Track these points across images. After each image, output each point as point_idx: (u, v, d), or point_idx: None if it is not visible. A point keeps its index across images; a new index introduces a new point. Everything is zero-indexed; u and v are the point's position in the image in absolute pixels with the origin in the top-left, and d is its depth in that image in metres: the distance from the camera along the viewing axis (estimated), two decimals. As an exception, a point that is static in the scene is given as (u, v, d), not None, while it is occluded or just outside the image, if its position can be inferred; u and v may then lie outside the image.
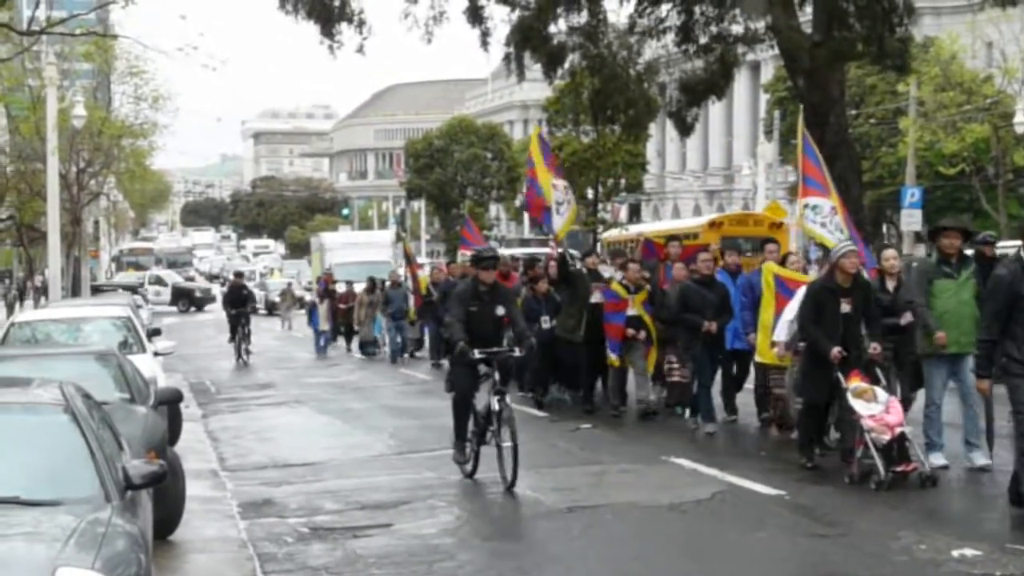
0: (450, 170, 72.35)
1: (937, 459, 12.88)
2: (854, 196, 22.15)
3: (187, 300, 64.26)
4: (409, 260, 31.69)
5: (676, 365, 17.25)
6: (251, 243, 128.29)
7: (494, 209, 78.22)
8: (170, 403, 13.74)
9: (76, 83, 45.94)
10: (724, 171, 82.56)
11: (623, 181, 49.10)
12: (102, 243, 74.68)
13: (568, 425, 17.33)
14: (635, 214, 66.93)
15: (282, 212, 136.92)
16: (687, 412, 16.91)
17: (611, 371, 18.26)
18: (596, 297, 18.17)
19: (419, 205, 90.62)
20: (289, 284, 52.95)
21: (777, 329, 14.54)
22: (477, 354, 12.90)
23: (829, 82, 22.06)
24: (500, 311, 13.32)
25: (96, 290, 54.50)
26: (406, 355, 30.51)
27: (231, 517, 12.18)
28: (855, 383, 12.46)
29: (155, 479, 7.42)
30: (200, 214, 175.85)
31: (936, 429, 13.11)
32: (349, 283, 35.95)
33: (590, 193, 50.94)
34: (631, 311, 17.57)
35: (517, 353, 13.28)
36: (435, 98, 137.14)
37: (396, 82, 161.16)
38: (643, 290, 17.70)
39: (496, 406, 12.74)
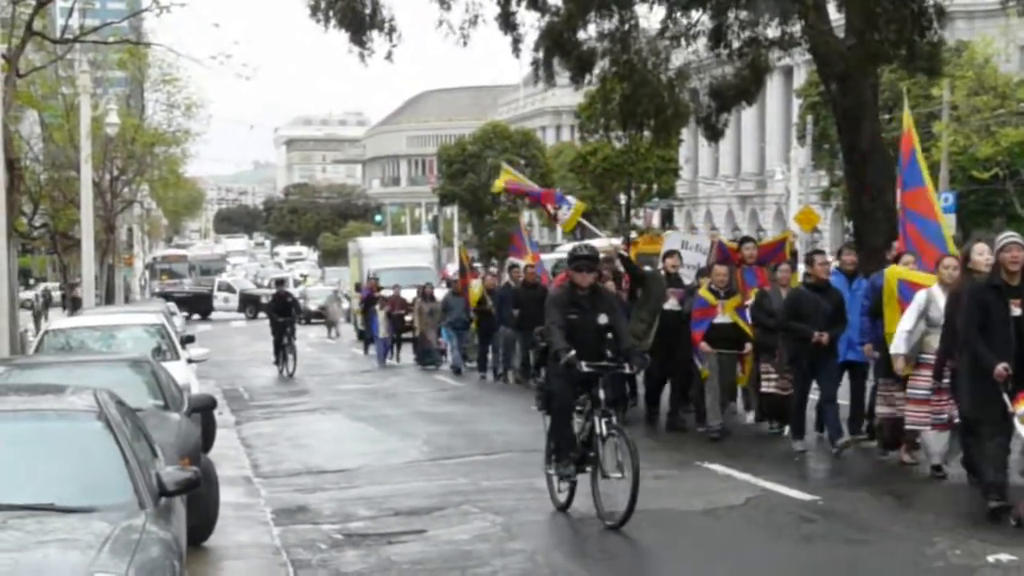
0: (483, 176, 72.32)
1: None
2: (887, 201, 22.05)
3: (254, 307, 64.60)
4: (464, 269, 30.05)
5: (773, 375, 15.85)
6: (285, 250, 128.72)
7: (527, 215, 78.18)
8: (204, 410, 13.77)
9: (109, 91, 46.24)
10: (757, 176, 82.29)
11: (655, 187, 49.00)
12: (136, 251, 75.02)
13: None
14: (667, 220, 66.77)
15: (315, 219, 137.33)
16: (786, 429, 15.53)
17: (706, 386, 16.32)
18: (671, 303, 16.95)
19: (452, 211, 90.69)
20: (336, 291, 53.00)
21: (895, 341, 12.93)
22: (586, 367, 11.24)
23: (862, 86, 21.95)
24: (603, 319, 11.61)
25: (166, 296, 55.66)
26: (467, 365, 28.49)
27: (265, 524, 12.21)
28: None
29: (189, 486, 7.45)
30: (233, 221, 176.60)
31: None
32: (396, 287, 34.24)
33: (622, 199, 50.99)
34: (720, 318, 16.00)
35: (628, 370, 11.77)
36: (467, 104, 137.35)
37: (428, 88, 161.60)
38: (735, 295, 16.24)
39: (603, 429, 11.12)
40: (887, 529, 10.81)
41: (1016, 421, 10.50)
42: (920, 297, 12.78)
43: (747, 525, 10.89)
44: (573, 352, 11.12)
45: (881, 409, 14.17)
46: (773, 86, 62.96)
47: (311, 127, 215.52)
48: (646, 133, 32.41)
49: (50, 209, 40.17)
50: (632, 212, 52.12)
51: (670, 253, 18.20)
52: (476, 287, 27.79)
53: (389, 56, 24.51)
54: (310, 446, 17.93)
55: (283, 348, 30.30)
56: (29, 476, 7.03)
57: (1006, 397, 10.49)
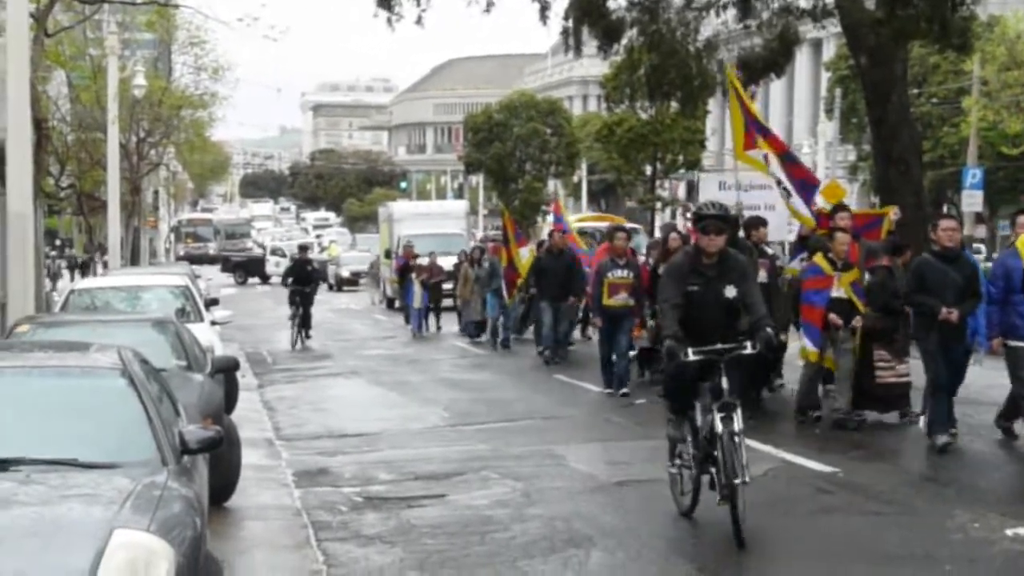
0: (509, 144, 72.23)
1: None
2: (915, 176, 22.01)
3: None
4: (508, 236, 26.90)
5: (890, 362, 14.40)
6: (311, 215, 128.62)
7: (552, 184, 78.03)
8: (226, 371, 13.84)
9: (137, 53, 46.29)
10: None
11: (681, 158, 48.84)
12: (161, 213, 75.30)
13: (624, 400, 17.36)
14: (693, 191, 66.58)
15: (340, 185, 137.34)
16: (921, 420, 13.95)
17: (804, 368, 14.81)
18: (761, 276, 14.94)
19: (477, 180, 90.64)
20: (377, 258, 52.68)
21: None
22: (692, 354, 9.53)
23: (892, 60, 21.89)
24: (731, 292, 9.77)
25: (225, 260, 56.13)
26: (513, 335, 26.97)
27: (286, 485, 12.28)
28: None
29: (211, 444, 7.49)
30: (259, 186, 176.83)
31: None
32: (432, 255, 32.58)
33: (648, 169, 50.87)
34: (836, 291, 14.18)
35: (749, 350, 9.63)
36: (494, 73, 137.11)
37: (455, 56, 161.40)
38: (853, 268, 14.34)
39: (719, 427, 9.36)
40: (906, 502, 10.82)
41: None
42: None
43: (767, 496, 10.88)
44: (672, 341, 9.51)
45: None
46: (802, 59, 62.63)
47: (338, 93, 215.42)
48: (673, 104, 32.34)
49: (76, 170, 40.28)
50: (658, 183, 51.95)
51: (755, 222, 16.39)
52: (526, 255, 25.72)
53: (419, 21, 24.51)
54: (331, 410, 18.01)
55: (298, 317, 28.83)
56: (53, 432, 7.06)
57: None
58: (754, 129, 16.69)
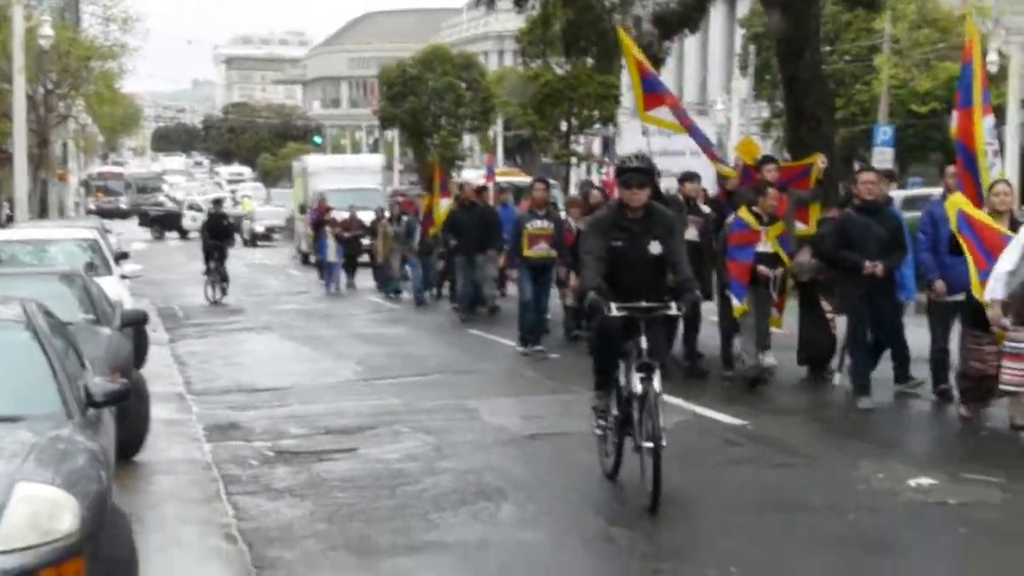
0: (424, 99, 71.83)
1: None
2: (826, 133, 22.17)
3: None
4: (433, 187, 26.64)
5: (832, 315, 14.19)
6: (225, 170, 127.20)
7: (467, 139, 77.78)
8: (135, 325, 13.70)
9: (44, 2, 45.40)
10: (698, 106, 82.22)
11: (596, 113, 48.83)
12: (71, 167, 74.09)
13: (538, 355, 17.41)
14: (609, 146, 66.70)
15: (254, 139, 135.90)
16: (835, 376, 13.85)
17: (741, 324, 14.25)
18: (691, 234, 14.69)
19: (393, 134, 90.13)
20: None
21: (989, 285, 11.00)
22: (615, 310, 9.20)
23: (804, 17, 21.98)
24: (655, 248, 9.43)
25: (143, 215, 55.20)
26: (432, 293, 26.78)
27: (196, 440, 12.19)
28: None
29: (117, 397, 7.42)
30: (171, 139, 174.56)
31: None
32: (351, 209, 32.36)
33: (563, 126, 50.82)
34: (763, 246, 13.87)
35: (674, 311, 9.41)
36: (410, 27, 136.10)
37: (371, 10, 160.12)
38: (779, 222, 14.08)
39: (638, 387, 9.08)
40: (813, 454, 10.99)
41: None
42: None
43: (675, 449, 10.99)
44: (595, 293, 9.18)
45: (970, 365, 11.94)
46: (716, 15, 62.79)
47: (251, 46, 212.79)
48: (588, 59, 32.34)
49: (-20, 121, 39.55)
50: (573, 139, 51.94)
51: (689, 176, 16.12)
52: (445, 207, 24.61)
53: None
54: (244, 365, 17.89)
55: (213, 272, 28.44)
56: (-46, 385, 6.97)
57: None
58: (655, 88, 16.60)
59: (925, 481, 9.74)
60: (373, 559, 8.11)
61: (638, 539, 8.47)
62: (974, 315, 11.58)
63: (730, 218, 14.60)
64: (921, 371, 13.25)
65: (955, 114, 13.48)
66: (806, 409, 13.49)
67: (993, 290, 10.90)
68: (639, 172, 9.48)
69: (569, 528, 8.92)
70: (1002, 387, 11.27)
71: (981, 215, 11.65)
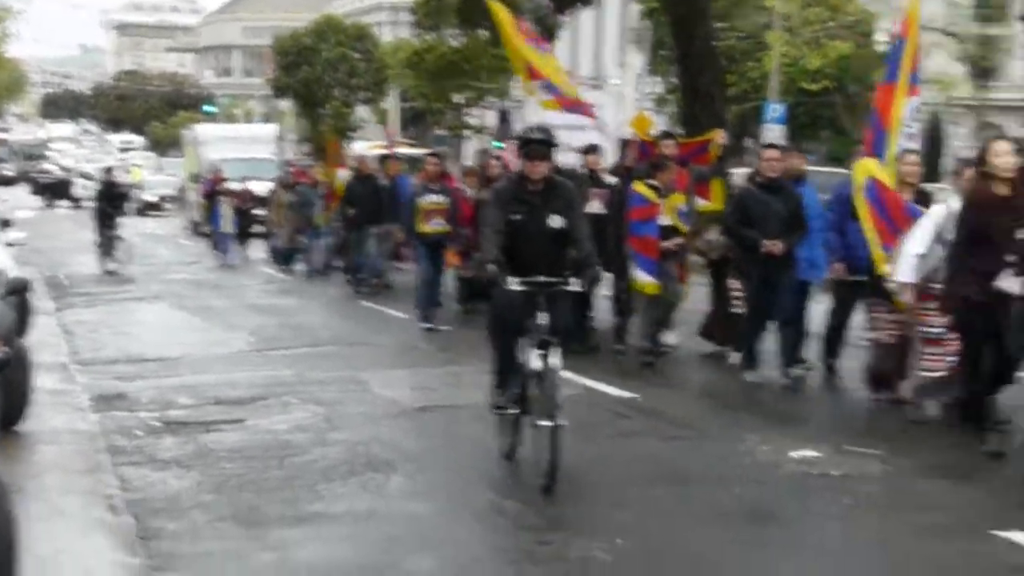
0: (318, 69, 71.24)
1: None
2: (718, 110, 22.32)
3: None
4: (328, 158, 26.74)
5: (741, 294, 13.66)
6: (116, 138, 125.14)
7: (361, 110, 77.27)
8: (16, 293, 13.41)
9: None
10: (592, 80, 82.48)
11: (492, 86, 48.78)
12: (-46, 133, 72.54)
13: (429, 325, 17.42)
14: (505, 120, 66.66)
15: (144, 107, 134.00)
16: (731, 354, 13.96)
17: (645, 303, 13.94)
18: (595, 207, 14.52)
19: (287, 104, 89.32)
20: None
21: (900, 268, 10.78)
22: (515, 284, 9.08)
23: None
24: (556, 222, 9.30)
25: (33, 182, 53.53)
26: (325, 265, 26.06)
27: (81, 410, 12.00)
28: None
29: (-1, 366, 7.28)
30: (59, 106, 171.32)
31: None
32: (244, 179, 32.16)
33: (457, 98, 50.71)
34: (662, 219, 13.69)
35: (573, 287, 9.18)
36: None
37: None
38: (676, 193, 13.92)
39: (537, 364, 8.93)
40: (700, 427, 11.12)
41: None
42: (938, 212, 10.79)
43: (568, 421, 11.07)
44: (494, 266, 9.05)
45: (872, 335, 11.93)
46: (612, -9, 63.05)
47: (142, 12, 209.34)
48: (483, 32, 32.26)
49: None
50: (467, 111, 51.88)
51: (591, 148, 15.91)
52: (342, 178, 24.54)
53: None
54: (132, 334, 17.65)
55: (107, 241, 27.80)
56: None
57: None
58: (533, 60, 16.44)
59: (809, 453, 9.92)
60: (260, 529, 8.06)
61: (528, 512, 8.49)
62: (873, 286, 11.50)
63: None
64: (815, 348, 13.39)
65: (877, 87, 13.28)
66: (697, 383, 13.67)
67: (904, 274, 10.69)
68: (541, 144, 9.33)
69: (459, 500, 8.92)
70: (922, 373, 11.07)
71: (890, 185, 11.46)
